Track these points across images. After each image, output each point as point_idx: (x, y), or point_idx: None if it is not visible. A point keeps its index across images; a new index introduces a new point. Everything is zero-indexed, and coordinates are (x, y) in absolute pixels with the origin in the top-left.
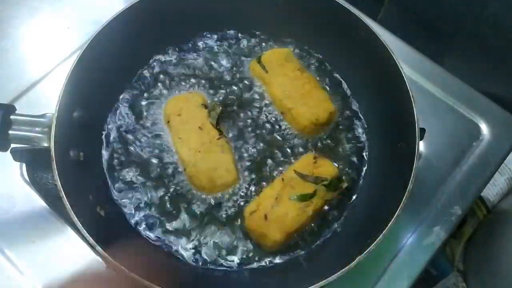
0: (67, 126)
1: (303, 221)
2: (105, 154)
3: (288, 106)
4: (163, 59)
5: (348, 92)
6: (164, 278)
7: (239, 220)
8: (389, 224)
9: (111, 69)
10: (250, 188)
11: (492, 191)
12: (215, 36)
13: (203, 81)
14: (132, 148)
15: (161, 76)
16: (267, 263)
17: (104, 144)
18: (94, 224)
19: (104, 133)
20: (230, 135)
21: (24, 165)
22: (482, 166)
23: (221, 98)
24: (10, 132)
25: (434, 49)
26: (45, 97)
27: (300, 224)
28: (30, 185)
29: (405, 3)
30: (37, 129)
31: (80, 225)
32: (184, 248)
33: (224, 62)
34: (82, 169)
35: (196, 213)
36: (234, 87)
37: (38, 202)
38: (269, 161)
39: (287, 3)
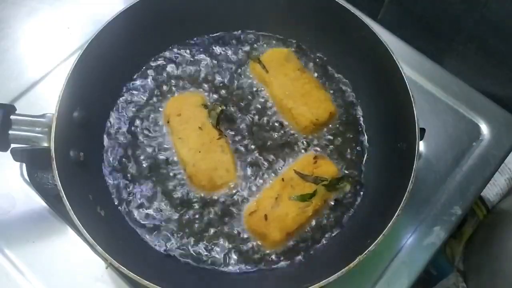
0: (67, 126)
1: (303, 221)
2: (105, 154)
3: (288, 106)
4: (163, 59)
5: (348, 92)
6: (164, 278)
7: (239, 220)
8: (389, 224)
9: (111, 69)
10: (250, 188)
11: (492, 191)
12: (215, 36)
13: (203, 81)
14: (132, 148)
15: (161, 76)
16: (267, 263)
17: (105, 144)
18: (94, 224)
19: (104, 133)
20: (230, 135)
21: (24, 165)
22: (482, 166)
23: (221, 98)
24: (10, 132)
25: (434, 49)
26: (45, 97)
27: (300, 224)
28: (30, 185)
29: (405, 3)
30: (37, 129)
31: (80, 225)
32: (184, 249)
33: (224, 62)
34: (82, 169)
35: (196, 214)
36: (234, 87)
37: (38, 202)
38: (269, 161)
39: (288, 3)
